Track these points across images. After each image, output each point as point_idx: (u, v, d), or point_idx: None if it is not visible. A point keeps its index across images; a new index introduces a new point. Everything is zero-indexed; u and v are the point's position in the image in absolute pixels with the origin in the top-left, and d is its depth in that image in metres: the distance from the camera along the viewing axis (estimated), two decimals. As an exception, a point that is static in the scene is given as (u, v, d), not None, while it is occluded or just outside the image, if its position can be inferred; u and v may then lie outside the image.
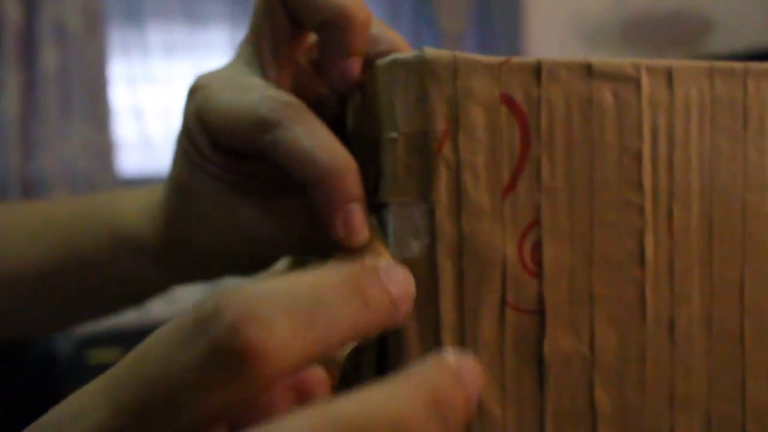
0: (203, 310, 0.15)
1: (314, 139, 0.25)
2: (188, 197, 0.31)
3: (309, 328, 0.16)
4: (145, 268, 0.35)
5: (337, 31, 0.26)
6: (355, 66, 0.27)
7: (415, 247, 0.24)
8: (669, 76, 0.27)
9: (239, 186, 0.30)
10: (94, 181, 2.15)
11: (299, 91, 0.30)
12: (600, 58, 0.26)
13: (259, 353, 0.15)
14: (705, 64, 0.27)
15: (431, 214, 0.24)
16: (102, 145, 2.06)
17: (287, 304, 0.15)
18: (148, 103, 2.20)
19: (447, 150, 0.24)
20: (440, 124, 0.24)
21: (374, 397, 0.15)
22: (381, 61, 0.25)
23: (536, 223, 0.25)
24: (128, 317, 2.09)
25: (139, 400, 0.15)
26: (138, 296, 0.39)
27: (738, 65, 0.28)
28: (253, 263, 0.32)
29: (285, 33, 0.28)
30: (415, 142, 0.24)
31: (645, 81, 0.26)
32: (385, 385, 0.15)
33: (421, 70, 0.24)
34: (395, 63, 0.24)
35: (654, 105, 0.26)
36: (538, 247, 0.25)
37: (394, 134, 0.24)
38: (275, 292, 0.16)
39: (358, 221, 0.24)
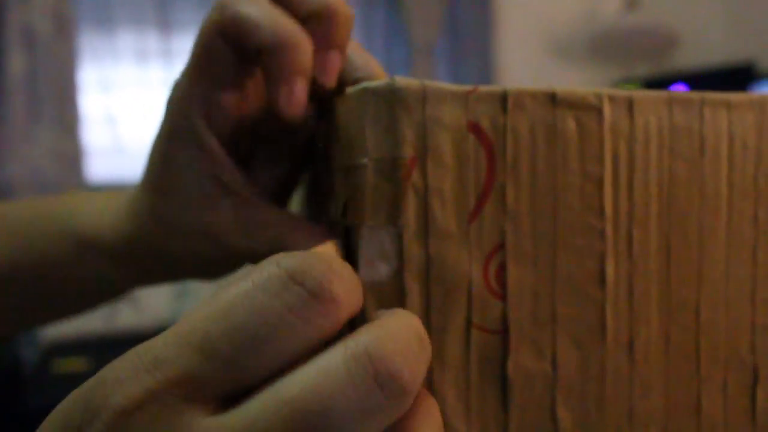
0: (294, 267, 0.18)
1: (267, 12, 0.27)
2: (162, 199, 0.31)
3: (357, 289, 0.20)
4: (108, 269, 0.35)
5: (321, 23, 0.28)
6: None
7: (384, 270, 0.25)
8: (630, 105, 0.28)
9: (219, 185, 0.30)
10: (63, 187, 2.12)
11: (263, 117, 0.31)
12: (564, 87, 0.27)
13: (342, 302, 0.19)
14: (664, 94, 0.28)
15: (399, 238, 0.25)
16: (71, 152, 2.04)
17: (343, 265, 0.20)
18: (119, 110, 2.18)
19: (415, 176, 0.25)
20: (409, 151, 0.25)
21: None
22: (352, 89, 0.26)
23: (501, 246, 0.26)
24: (94, 326, 2.07)
25: (233, 344, 0.17)
26: (100, 297, 0.39)
27: (695, 95, 0.29)
28: (218, 268, 0.33)
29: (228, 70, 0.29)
30: (385, 168, 0.25)
31: (607, 110, 0.27)
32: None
33: (390, 98, 0.25)
34: (366, 91, 0.25)
35: (615, 133, 0.27)
36: (502, 269, 0.26)
37: (364, 160, 0.25)
38: (335, 257, 0.20)
39: (300, 94, 0.27)
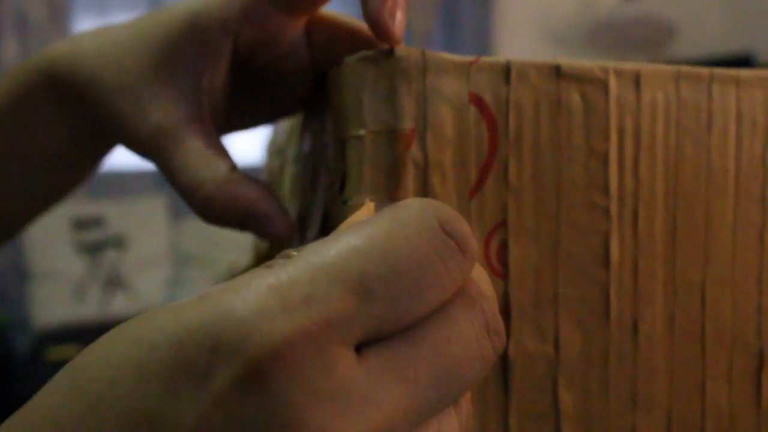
0: (445, 218, 0.18)
1: None
2: (146, 68, 0.29)
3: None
4: (67, 114, 0.32)
5: None
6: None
7: None
8: (636, 79, 0.27)
9: (201, 90, 0.29)
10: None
11: (272, 59, 0.30)
12: (569, 59, 0.26)
13: (475, 260, 0.18)
14: (672, 68, 0.28)
15: None
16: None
17: None
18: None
19: (415, 149, 0.24)
20: (408, 123, 0.24)
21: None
22: (350, 58, 0.25)
23: (503, 223, 0.25)
24: (88, 313, 2.06)
25: (391, 289, 0.17)
26: (58, 160, 0.35)
27: (704, 71, 0.28)
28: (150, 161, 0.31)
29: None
30: (383, 140, 0.24)
31: (613, 84, 0.26)
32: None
33: (390, 67, 0.24)
34: (364, 60, 0.24)
35: (621, 108, 0.27)
36: (504, 247, 0.25)
37: (361, 131, 0.24)
38: None
39: (402, 18, 0.25)
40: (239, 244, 2.09)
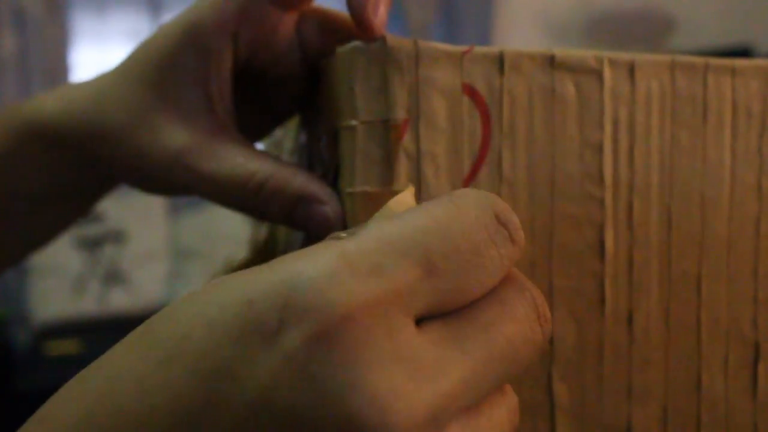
0: (499, 207, 0.19)
1: None
2: (142, 91, 0.28)
3: None
4: (63, 164, 0.32)
5: None
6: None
7: None
8: (631, 69, 0.27)
9: (207, 98, 0.28)
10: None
11: (262, 62, 0.29)
12: (563, 49, 0.26)
13: (524, 244, 0.20)
14: (667, 58, 0.27)
15: None
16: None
17: None
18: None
19: (407, 139, 0.24)
20: (401, 113, 0.24)
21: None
22: (342, 48, 0.24)
23: None
24: (87, 308, 2.06)
25: (451, 265, 0.17)
26: (57, 201, 0.35)
27: (699, 60, 0.28)
28: (157, 184, 0.31)
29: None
30: (375, 131, 0.24)
31: (607, 74, 0.26)
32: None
33: (382, 58, 0.24)
34: (356, 50, 0.24)
35: (615, 98, 0.26)
36: None
37: (353, 122, 0.24)
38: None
39: (384, 11, 0.25)
40: (238, 238, 2.08)
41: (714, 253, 0.28)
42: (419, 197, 0.24)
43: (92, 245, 2.08)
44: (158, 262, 2.16)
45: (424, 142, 0.24)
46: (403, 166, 0.24)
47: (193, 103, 0.28)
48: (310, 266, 0.16)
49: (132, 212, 2.13)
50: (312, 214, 0.25)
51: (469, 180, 0.24)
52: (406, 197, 0.22)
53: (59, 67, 2.02)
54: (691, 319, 0.28)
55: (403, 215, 0.18)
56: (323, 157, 0.27)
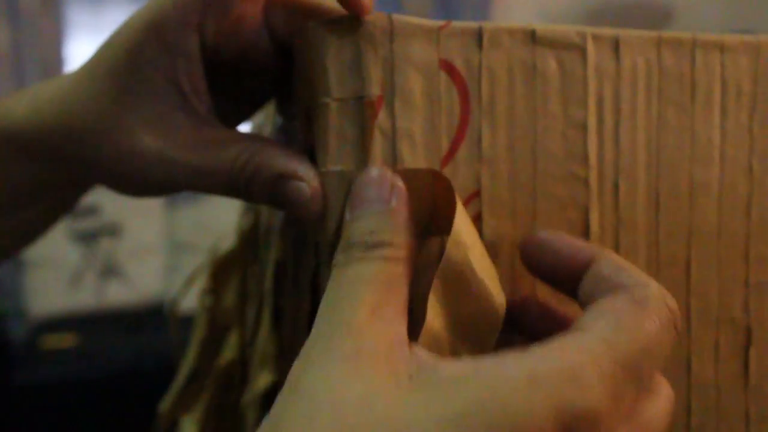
0: (676, 311, 0.22)
1: None
2: (110, 88, 0.27)
3: None
4: (36, 166, 0.31)
5: None
6: None
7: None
8: (616, 45, 0.26)
9: (178, 93, 0.27)
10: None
11: (235, 45, 0.28)
12: (544, 24, 0.25)
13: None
14: (653, 34, 0.26)
15: None
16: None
17: None
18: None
19: (382, 117, 0.23)
20: (375, 90, 0.23)
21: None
22: (314, 23, 0.24)
23: (476, 194, 0.24)
24: (83, 301, 2.05)
25: (649, 372, 0.21)
26: (36, 200, 0.35)
27: (686, 36, 0.27)
28: (138, 184, 0.30)
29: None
30: (349, 108, 0.23)
31: (591, 49, 0.25)
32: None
33: (355, 32, 0.23)
34: (328, 25, 0.23)
35: (600, 74, 0.26)
36: (478, 219, 0.24)
37: (326, 100, 0.23)
38: None
39: None
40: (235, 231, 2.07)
41: (703, 236, 0.28)
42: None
43: (88, 239, 2.07)
44: (155, 256, 2.15)
45: (400, 120, 0.23)
46: (378, 145, 0.23)
47: (166, 99, 0.27)
48: (595, 383, 0.18)
49: (128, 205, 2.12)
50: (288, 191, 0.24)
51: (448, 159, 0.24)
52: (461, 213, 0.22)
53: (54, 60, 2.02)
54: (680, 304, 0.27)
55: (621, 327, 0.20)
56: (298, 138, 0.26)
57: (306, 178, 0.24)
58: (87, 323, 1.95)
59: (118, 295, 2.12)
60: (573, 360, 0.18)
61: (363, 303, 0.20)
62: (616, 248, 0.26)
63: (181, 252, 2.22)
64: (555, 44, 0.25)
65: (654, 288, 0.22)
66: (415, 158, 0.23)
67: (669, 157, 0.27)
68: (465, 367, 0.19)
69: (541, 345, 0.19)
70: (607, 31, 0.26)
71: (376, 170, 0.23)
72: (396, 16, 0.23)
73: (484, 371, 0.18)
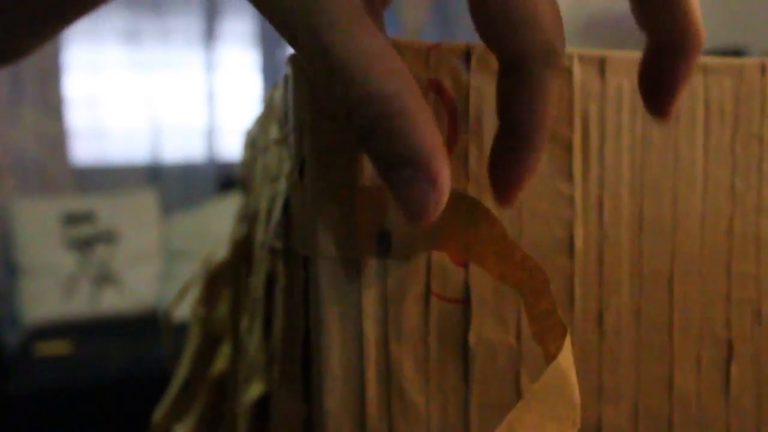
0: None
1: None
2: None
3: None
4: None
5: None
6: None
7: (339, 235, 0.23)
8: (601, 66, 0.26)
9: None
10: (46, 170, 2.10)
11: None
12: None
13: None
14: (638, 55, 0.27)
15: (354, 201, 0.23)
16: (54, 133, 2.02)
17: None
18: (104, 91, 2.15)
19: None
20: None
21: None
22: None
23: None
24: (77, 308, 2.05)
25: None
26: None
27: None
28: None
29: None
30: (340, 126, 0.23)
31: (577, 70, 0.26)
32: None
33: None
34: None
35: (585, 94, 0.26)
36: None
37: (317, 117, 0.23)
38: None
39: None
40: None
41: (686, 252, 0.28)
42: (385, 192, 0.24)
43: (83, 246, 2.08)
44: (150, 263, 2.16)
45: None
46: (368, 162, 0.23)
47: None
48: None
49: (123, 213, 2.13)
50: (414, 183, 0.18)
51: None
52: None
53: (52, 66, 2.02)
54: (662, 319, 0.28)
55: None
56: (291, 153, 0.27)
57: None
58: (81, 330, 1.95)
59: (113, 302, 2.12)
60: None
61: None
62: (600, 264, 0.27)
63: (176, 260, 2.23)
64: None
65: None
66: None
67: (653, 175, 0.27)
68: None
69: None
70: (593, 52, 0.26)
71: None
72: (386, 38, 0.24)
73: None
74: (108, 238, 2.14)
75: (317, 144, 0.24)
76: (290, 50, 0.29)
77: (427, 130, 0.18)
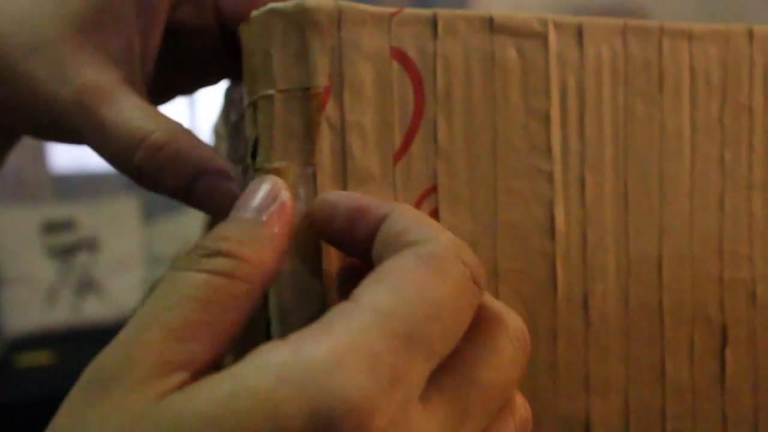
0: (474, 266, 0.19)
1: None
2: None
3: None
4: None
5: None
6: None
7: (297, 215, 0.22)
8: (579, 33, 0.25)
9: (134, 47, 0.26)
10: (25, 178, 2.07)
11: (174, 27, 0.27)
12: (503, 11, 0.24)
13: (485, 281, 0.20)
14: (618, 21, 0.25)
15: (313, 179, 0.21)
16: (32, 141, 1.99)
17: None
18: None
19: (330, 108, 0.22)
20: (322, 80, 0.21)
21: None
22: (257, 12, 0.22)
23: (433, 189, 0.23)
24: (59, 318, 2.02)
25: (446, 344, 0.18)
26: None
27: (653, 24, 0.26)
28: (58, 132, 0.27)
29: None
30: (294, 100, 0.22)
31: (552, 37, 0.24)
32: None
33: (300, 20, 0.21)
34: (272, 13, 0.22)
35: (562, 63, 0.24)
36: (434, 216, 0.23)
37: (270, 91, 0.22)
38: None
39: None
40: (214, 243, 2.05)
41: (675, 231, 0.26)
42: (344, 172, 0.22)
43: (65, 253, 2.04)
44: (132, 270, 2.12)
45: (350, 112, 0.22)
46: (326, 139, 0.22)
47: (111, 52, 0.25)
48: (333, 370, 0.16)
49: (105, 219, 2.10)
50: (217, 189, 0.23)
51: (401, 153, 0.22)
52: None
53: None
54: (652, 303, 0.26)
55: (400, 291, 0.17)
56: (246, 134, 0.25)
57: (234, 180, 0.23)
58: (63, 340, 1.92)
59: (96, 310, 2.09)
60: (334, 343, 0.16)
61: (158, 321, 0.17)
62: (583, 245, 0.25)
63: (158, 265, 2.20)
64: (514, 32, 0.24)
65: (444, 241, 0.19)
66: (366, 152, 0.22)
67: (637, 149, 0.26)
68: (219, 377, 0.16)
69: (303, 330, 0.17)
70: (570, 19, 0.24)
71: (270, 181, 0.21)
72: (344, 3, 0.22)
73: (235, 372, 0.16)
74: (89, 245, 2.11)
75: (269, 121, 0.22)
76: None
77: None
